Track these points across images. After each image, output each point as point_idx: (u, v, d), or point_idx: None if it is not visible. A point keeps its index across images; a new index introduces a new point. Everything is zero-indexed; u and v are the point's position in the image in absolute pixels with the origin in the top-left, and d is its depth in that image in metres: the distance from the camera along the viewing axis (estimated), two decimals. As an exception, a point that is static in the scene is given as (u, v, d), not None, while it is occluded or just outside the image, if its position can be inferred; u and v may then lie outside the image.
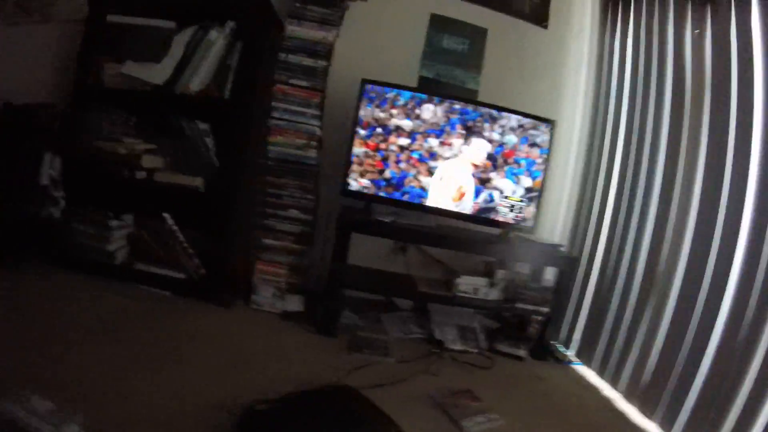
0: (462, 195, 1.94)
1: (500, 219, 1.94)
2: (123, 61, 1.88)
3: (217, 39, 1.81)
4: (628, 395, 1.65)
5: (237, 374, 1.33)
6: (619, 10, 2.06)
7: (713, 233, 1.43)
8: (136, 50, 1.88)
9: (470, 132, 1.92)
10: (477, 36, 2.22)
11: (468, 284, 1.89)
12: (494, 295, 1.90)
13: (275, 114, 1.85)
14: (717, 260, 1.41)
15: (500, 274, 1.94)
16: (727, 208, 1.41)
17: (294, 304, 1.89)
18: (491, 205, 1.94)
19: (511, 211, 1.94)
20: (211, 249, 1.87)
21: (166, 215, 1.89)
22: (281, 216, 1.90)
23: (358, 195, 1.89)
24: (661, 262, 1.64)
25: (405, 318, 2.00)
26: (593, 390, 1.73)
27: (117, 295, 1.71)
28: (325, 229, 2.01)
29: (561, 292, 1.91)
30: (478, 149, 1.93)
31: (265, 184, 1.90)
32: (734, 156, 1.41)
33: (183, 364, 1.33)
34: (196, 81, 1.81)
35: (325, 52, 1.87)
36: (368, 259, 2.05)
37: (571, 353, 1.99)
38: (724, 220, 1.41)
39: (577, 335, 2.00)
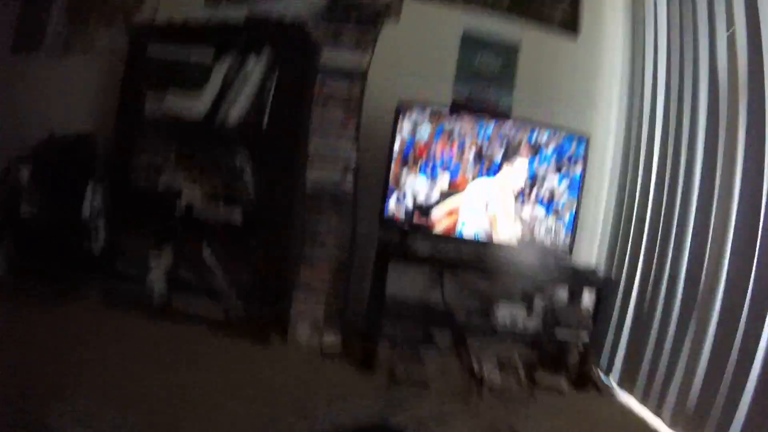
0: (500, 227, 1.90)
1: (537, 244, 1.89)
2: (163, 93, 1.91)
3: (255, 68, 1.84)
4: (674, 423, 1.56)
5: (277, 414, 1.30)
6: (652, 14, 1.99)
7: (754, 247, 1.36)
8: (176, 82, 1.92)
9: (506, 153, 1.88)
10: (509, 53, 2.19)
11: (506, 313, 1.85)
12: (533, 323, 1.86)
13: (312, 142, 1.85)
14: (757, 274, 1.34)
15: (539, 300, 1.88)
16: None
17: (332, 337, 1.86)
18: (528, 230, 1.89)
19: (548, 235, 1.89)
20: (250, 282, 1.86)
21: (204, 247, 1.89)
22: (319, 246, 1.87)
23: (395, 224, 1.86)
24: (702, 280, 1.57)
25: (443, 349, 1.95)
26: (637, 419, 1.67)
27: (154, 329, 1.72)
28: (362, 260, 1.98)
29: (600, 316, 1.85)
30: (516, 171, 1.89)
31: (302, 214, 1.88)
32: None
33: (223, 405, 1.31)
34: (235, 112, 1.84)
35: (360, 75, 1.88)
36: (406, 290, 2.00)
37: (613, 380, 1.92)
38: (762, 234, 1.34)
39: (618, 361, 1.93)
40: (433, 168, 1.87)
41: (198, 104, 1.86)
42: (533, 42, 2.23)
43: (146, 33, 2.04)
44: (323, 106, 1.86)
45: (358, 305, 1.94)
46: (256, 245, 1.84)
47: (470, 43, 2.19)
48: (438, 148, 1.87)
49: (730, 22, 1.55)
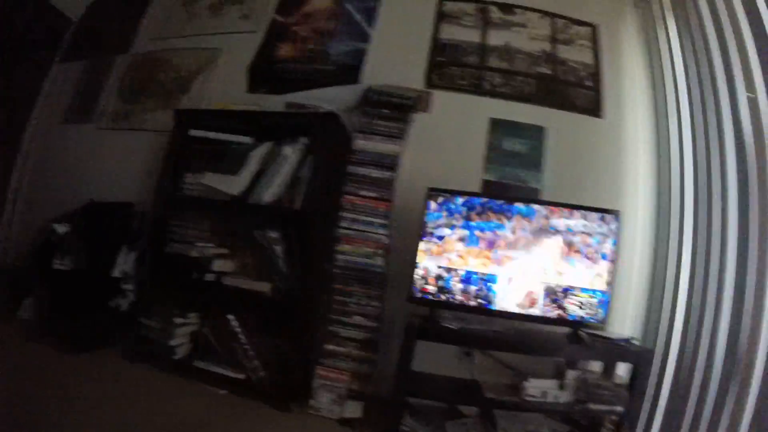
0: (533, 301, 1.90)
1: (569, 317, 1.87)
2: (202, 172, 2.05)
3: (291, 154, 1.96)
4: None
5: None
6: (671, 89, 2.11)
7: None
8: (215, 162, 2.05)
9: (538, 233, 1.91)
10: (536, 135, 2.30)
11: (536, 387, 1.78)
12: (565, 397, 1.78)
13: (344, 223, 1.93)
14: None
15: (570, 374, 1.83)
16: None
17: (353, 410, 1.84)
18: (560, 304, 1.88)
19: (581, 308, 1.88)
20: (273, 352, 1.90)
21: (230, 317, 1.95)
22: (346, 322, 1.90)
23: (425, 301, 1.87)
24: (741, 349, 1.53)
25: (470, 426, 1.89)
26: None
27: (175, 387, 1.76)
28: (390, 336, 1.99)
29: (637, 388, 1.78)
30: (550, 248, 1.90)
31: (332, 291, 1.93)
32: None
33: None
34: (270, 192, 1.94)
35: (391, 163, 1.97)
36: (432, 364, 1.98)
37: None
38: None
39: None
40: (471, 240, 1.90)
41: (235, 184, 1.97)
42: (560, 125, 2.33)
43: (190, 116, 2.20)
44: (356, 190, 1.95)
45: (381, 380, 1.93)
46: (283, 319, 1.89)
47: (499, 129, 2.30)
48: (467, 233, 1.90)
49: (749, 84, 1.63)
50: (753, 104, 1.64)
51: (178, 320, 2.02)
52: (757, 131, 1.61)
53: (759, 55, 1.63)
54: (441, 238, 1.90)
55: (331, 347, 1.91)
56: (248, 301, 1.93)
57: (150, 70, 2.66)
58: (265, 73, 2.41)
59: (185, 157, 2.14)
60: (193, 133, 2.13)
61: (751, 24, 1.67)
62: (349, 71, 2.34)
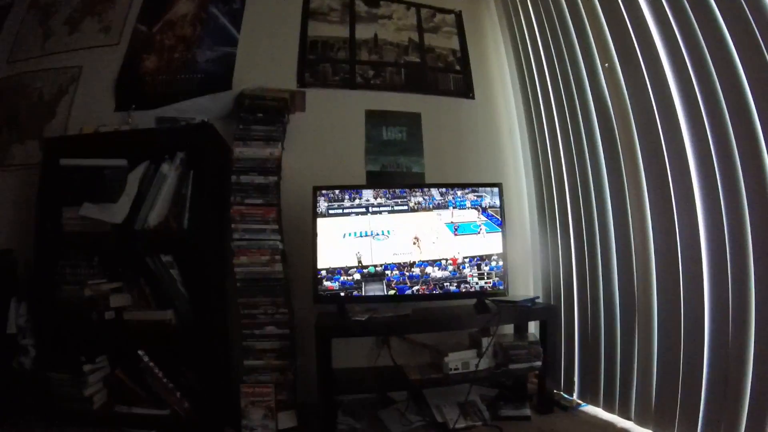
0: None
1: (473, 289, 1.95)
2: (80, 204, 1.88)
3: (169, 171, 1.85)
4: (642, 421, 1.66)
5: None
6: (533, 65, 2.25)
7: (675, 238, 1.53)
8: (92, 191, 1.89)
9: (428, 214, 1.97)
10: (412, 121, 2.36)
11: (457, 360, 1.87)
12: (485, 363, 1.88)
13: (236, 235, 1.86)
14: (684, 264, 1.51)
15: (486, 341, 1.92)
16: (680, 217, 1.53)
17: (287, 420, 1.81)
18: (460, 277, 1.95)
19: (481, 279, 1.96)
20: (193, 380, 1.81)
21: (140, 352, 1.83)
22: (259, 335, 1.85)
23: (330, 299, 1.88)
24: (635, 281, 1.72)
25: (403, 410, 1.92)
26: (607, 427, 1.74)
27: None
28: (304, 339, 1.96)
29: (549, 341, 1.91)
30: (439, 229, 1.97)
31: (237, 306, 1.87)
32: (672, 174, 1.54)
33: None
34: (154, 215, 1.83)
35: (274, 167, 1.92)
36: (353, 359, 2.02)
37: (575, 397, 1.99)
38: (680, 227, 1.53)
39: (576, 378, 2.00)
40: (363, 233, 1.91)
41: (116, 212, 1.83)
42: (432, 106, 2.40)
43: (59, 145, 2.01)
44: (242, 200, 1.88)
45: (309, 383, 1.90)
46: (194, 343, 1.81)
47: (374, 120, 2.33)
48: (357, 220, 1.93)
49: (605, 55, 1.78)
50: (610, 73, 1.77)
51: (88, 367, 1.88)
52: (615, 96, 1.76)
53: (610, 26, 1.75)
54: (334, 234, 1.90)
55: (250, 362, 1.86)
56: (155, 332, 1.82)
57: (9, 97, 2.39)
58: (132, 88, 2.24)
59: (60, 189, 1.96)
60: (64, 162, 1.95)
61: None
62: (219, 78, 2.24)
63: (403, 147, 2.32)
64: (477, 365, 1.85)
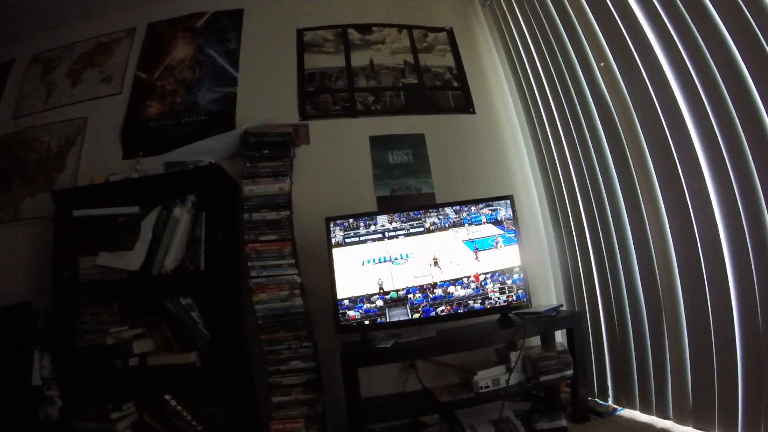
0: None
1: (496, 304, 1.93)
2: (96, 253, 1.89)
3: (182, 215, 1.87)
4: (681, 419, 1.62)
5: None
6: (529, 72, 2.25)
7: (694, 239, 1.51)
8: (107, 240, 1.90)
9: (442, 234, 1.96)
10: (417, 143, 2.36)
11: (486, 378, 1.83)
12: (515, 378, 1.85)
13: (253, 273, 1.85)
14: (705, 256, 1.48)
15: (514, 356, 1.88)
16: (695, 209, 1.50)
17: (317, 451, 1.79)
18: (483, 294, 1.92)
19: (502, 293, 1.94)
20: (221, 419, 1.80)
21: (167, 396, 1.83)
22: (284, 370, 1.83)
23: (353, 328, 1.86)
24: (657, 278, 1.69)
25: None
26: (646, 428, 1.70)
27: None
28: (330, 370, 1.95)
29: (578, 348, 1.88)
30: (456, 246, 1.95)
31: (260, 343, 1.85)
32: (684, 171, 1.52)
33: None
34: (170, 259, 1.84)
35: (284, 201, 1.92)
36: (381, 386, 1.99)
37: (610, 402, 1.95)
38: (697, 223, 1.50)
39: (609, 382, 1.97)
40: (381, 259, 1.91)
41: (133, 259, 1.84)
42: (437, 128, 2.40)
43: (70, 196, 2.03)
44: (256, 237, 1.88)
45: (338, 414, 1.89)
46: (220, 382, 1.80)
47: (379, 145, 2.33)
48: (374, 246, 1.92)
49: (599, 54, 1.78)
50: (606, 71, 1.77)
51: (115, 414, 1.88)
52: (614, 93, 1.75)
53: (601, 25, 1.76)
54: (352, 262, 1.90)
55: (278, 399, 1.84)
56: (180, 375, 1.81)
57: (17, 152, 2.43)
58: (138, 135, 2.29)
59: (74, 240, 1.98)
60: (77, 213, 1.97)
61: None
62: (222, 118, 2.27)
63: (411, 169, 2.31)
64: (507, 381, 1.81)
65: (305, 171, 2.21)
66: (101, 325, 1.95)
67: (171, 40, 2.51)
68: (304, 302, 1.86)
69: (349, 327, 1.87)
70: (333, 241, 1.91)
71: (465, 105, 2.48)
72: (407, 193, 2.29)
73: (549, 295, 2.31)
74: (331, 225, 1.92)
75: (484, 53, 2.63)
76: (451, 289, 1.91)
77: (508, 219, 1.98)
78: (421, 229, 1.97)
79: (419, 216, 1.98)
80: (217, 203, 1.87)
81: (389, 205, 2.22)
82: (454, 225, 1.97)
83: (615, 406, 1.92)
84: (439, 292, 1.90)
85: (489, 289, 1.92)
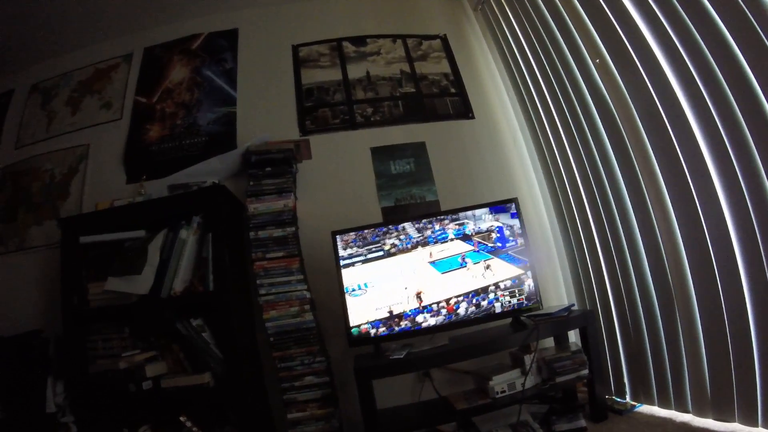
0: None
1: (506, 309, 1.92)
2: (104, 279, 1.89)
3: (188, 236, 1.88)
4: (700, 411, 1.61)
5: None
6: (525, 73, 2.26)
7: (702, 228, 1.50)
8: (115, 265, 1.91)
9: (448, 241, 1.95)
10: (418, 151, 2.37)
11: (502, 382, 1.82)
12: (531, 381, 1.83)
13: (262, 290, 1.86)
14: (714, 248, 1.48)
15: (528, 359, 1.87)
16: (701, 202, 1.50)
17: (336, 466, 1.79)
18: (492, 300, 1.92)
19: (513, 296, 1.93)
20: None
21: (182, 418, 1.82)
22: (299, 386, 1.83)
23: (365, 340, 1.86)
24: (668, 271, 1.68)
25: None
26: (665, 423, 1.69)
27: None
28: (344, 383, 1.95)
29: (592, 347, 1.86)
30: (460, 245, 1.95)
31: (273, 360, 1.85)
32: (687, 162, 1.52)
33: None
34: (179, 281, 1.84)
35: (290, 218, 1.93)
36: (396, 396, 1.98)
37: (628, 399, 1.94)
38: (705, 218, 1.49)
39: (626, 379, 1.96)
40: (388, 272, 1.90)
41: (142, 283, 1.84)
42: (437, 135, 2.40)
43: (76, 223, 2.04)
44: (264, 254, 1.88)
45: (355, 427, 1.89)
46: (234, 401, 1.80)
47: (381, 155, 2.34)
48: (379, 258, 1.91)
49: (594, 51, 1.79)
50: (602, 67, 1.77)
51: (131, 437, 1.88)
52: (612, 89, 1.75)
53: (593, 22, 1.76)
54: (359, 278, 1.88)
55: (293, 415, 1.83)
56: (194, 396, 1.80)
57: (21, 181, 2.45)
58: (140, 159, 2.30)
59: (82, 267, 1.99)
60: (84, 239, 1.98)
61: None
62: (223, 138, 2.29)
63: (414, 178, 2.32)
64: (523, 384, 1.80)
65: (309, 186, 2.22)
66: (113, 350, 1.96)
67: (168, 63, 2.54)
68: (314, 317, 1.87)
69: (360, 339, 1.86)
70: (340, 262, 1.88)
71: (463, 110, 2.49)
72: (411, 203, 2.28)
73: (560, 295, 2.29)
74: (338, 240, 1.92)
75: (479, 57, 2.64)
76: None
77: (515, 223, 1.97)
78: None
79: (433, 224, 1.96)
80: (222, 223, 1.87)
81: (393, 215, 2.21)
82: (465, 237, 1.95)
83: (633, 403, 1.90)
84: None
85: (500, 294, 1.91)
